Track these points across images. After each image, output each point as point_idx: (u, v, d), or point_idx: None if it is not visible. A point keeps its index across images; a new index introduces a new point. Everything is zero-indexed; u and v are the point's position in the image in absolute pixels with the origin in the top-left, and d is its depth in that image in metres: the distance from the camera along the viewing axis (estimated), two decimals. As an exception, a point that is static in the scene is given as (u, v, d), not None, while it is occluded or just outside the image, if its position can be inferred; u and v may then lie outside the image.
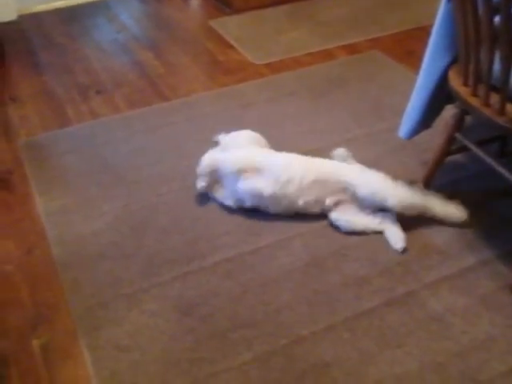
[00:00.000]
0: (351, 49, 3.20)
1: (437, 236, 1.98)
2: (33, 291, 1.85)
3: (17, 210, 2.17)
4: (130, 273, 1.89)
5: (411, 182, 2.09)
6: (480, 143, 2.01)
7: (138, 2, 4.02)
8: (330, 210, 2.02)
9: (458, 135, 1.97)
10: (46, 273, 1.91)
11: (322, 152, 2.36)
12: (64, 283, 1.86)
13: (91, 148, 2.48)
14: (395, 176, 2.21)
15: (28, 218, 2.13)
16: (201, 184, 2.13)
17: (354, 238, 1.97)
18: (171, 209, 2.13)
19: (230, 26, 3.53)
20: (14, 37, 3.49)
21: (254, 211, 2.06)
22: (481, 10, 1.58)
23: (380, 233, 1.98)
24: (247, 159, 2.08)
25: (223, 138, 2.29)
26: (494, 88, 1.69)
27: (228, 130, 2.32)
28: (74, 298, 1.81)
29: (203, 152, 2.23)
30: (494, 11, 1.54)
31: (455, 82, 1.85)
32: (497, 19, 1.54)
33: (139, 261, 1.93)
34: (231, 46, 3.28)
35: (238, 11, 3.68)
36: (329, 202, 2.01)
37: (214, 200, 2.14)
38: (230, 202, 2.10)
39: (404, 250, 1.91)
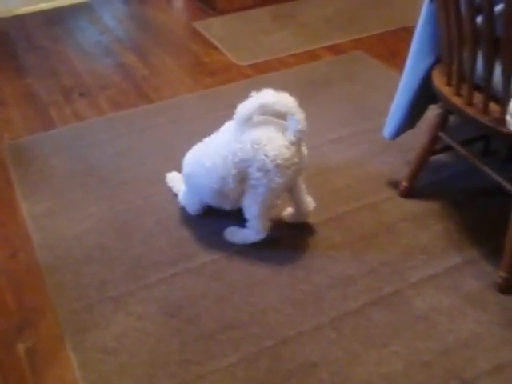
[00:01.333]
0: (335, 49, 3.21)
1: (422, 235, 1.99)
2: (18, 295, 1.84)
3: (1, 214, 2.15)
4: (116, 275, 1.88)
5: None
6: (464, 143, 2.03)
7: (121, 3, 4.00)
8: None
9: (441, 135, 1.99)
10: (30, 276, 1.90)
11: (307, 153, 2.37)
12: (49, 286, 1.85)
13: (76, 150, 2.46)
14: (379, 176, 2.23)
15: (12, 222, 2.11)
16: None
17: (340, 239, 1.98)
18: (157, 210, 2.13)
19: (213, 28, 3.53)
20: (-4, 39, 3.47)
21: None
22: (463, 9, 1.59)
23: (366, 234, 2.00)
24: None
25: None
26: (477, 87, 1.71)
27: (213, 132, 2.31)
28: (60, 302, 1.80)
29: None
30: (476, 11, 1.56)
31: (439, 81, 1.87)
32: (479, 19, 1.56)
33: (125, 263, 1.92)
34: (215, 48, 3.28)
35: (221, 12, 3.68)
36: None
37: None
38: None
39: (389, 250, 1.93)
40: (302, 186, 1.97)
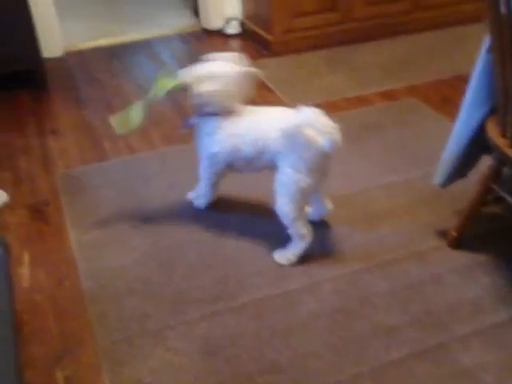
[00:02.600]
0: (388, 95, 3.20)
1: (469, 288, 1.93)
2: (60, 322, 1.86)
3: (50, 241, 2.20)
4: (157, 309, 1.88)
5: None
6: (517, 195, 1.99)
7: (179, 41, 4.10)
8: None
9: (494, 186, 1.95)
10: (74, 304, 1.92)
11: (354, 197, 2.36)
12: (91, 316, 1.86)
13: (125, 182, 2.51)
14: (427, 224, 2.20)
15: (60, 249, 2.15)
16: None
17: (385, 286, 1.95)
18: (201, 246, 2.13)
19: (267, 69, 3.58)
20: (58, 72, 3.60)
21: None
22: (521, 62, 1.58)
23: (412, 283, 1.96)
24: None
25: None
26: (532, 140, 1.68)
27: (265, 172, 2.32)
28: (101, 332, 1.81)
29: (240, 191, 2.24)
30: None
31: (493, 132, 1.84)
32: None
33: (167, 297, 1.93)
34: (268, 89, 3.32)
35: (276, 54, 3.74)
36: None
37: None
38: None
39: (435, 301, 1.88)
40: (324, 188, 2.12)
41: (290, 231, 2.01)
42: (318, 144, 1.85)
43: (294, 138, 1.89)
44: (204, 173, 2.19)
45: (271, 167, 2.01)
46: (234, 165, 2.09)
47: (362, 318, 1.84)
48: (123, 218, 2.30)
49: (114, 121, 2.04)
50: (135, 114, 2.02)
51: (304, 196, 1.96)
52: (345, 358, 1.71)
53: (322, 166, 1.94)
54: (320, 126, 1.83)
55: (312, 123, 1.85)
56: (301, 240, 2.01)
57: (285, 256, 2.04)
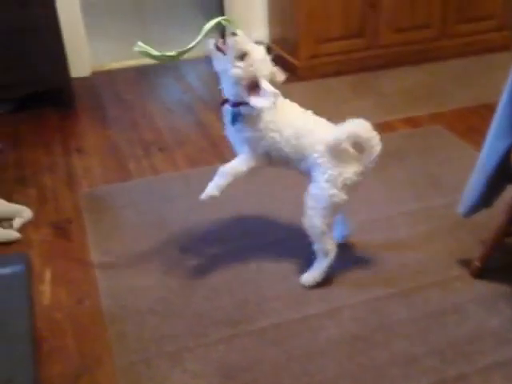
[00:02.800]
0: (412, 122, 3.19)
1: (491, 319, 1.90)
2: (79, 341, 1.86)
3: (72, 259, 2.21)
4: (176, 330, 1.88)
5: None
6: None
7: (206, 64, 4.13)
8: None
9: (518, 216, 1.93)
10: (93, 324, 1.93)
11: (377, 223, 2.34)
12: (110, 336, 1.87)
13: (149, 203, 2.52)
14: (450, 253, 2.17)
15: (82, 268, 2.16)
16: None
17: (405, 314, 1.92)
18: (222, 269, 2.13)
19: (293, 93, 3.56)
20: (86, 91, 3.65)
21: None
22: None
23: (433, 312, 1.93)
24: None
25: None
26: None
27: (287, 196, 2.32)
28: (119, 352, 1.81)
29: (262, 215, 2.24)
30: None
31: (518, 162, 1.82)
32: None
33: (186, 319, 1.93)
34: (293, 112, 3.32)
35: (302, 79, 3.75)
36: None
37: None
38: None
39: (456, 331, 1.85)
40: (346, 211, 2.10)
41: (316, 247, 2.00)
42: (360, 161, 1.87)
43: (336, 153, 1.89)
44: (246, 157, 2.02)
45: (304, 174, 1.99)
46: (271, 156, 2.00)
47: (381, 346, 1.81)
48: (145, 238, 2.31)
49: (142, 44, 1.95)
50: (164, 55, 1.97)
51: (335, 211, 1.96)
52: (363, 387, 1.69)
53: (357, 183, 1.93)
54: (364, 141, 1.85)
55: (356, 138, 1.87)
56: (325, 256, 2.00)
57: (312, 276, 2.03)
